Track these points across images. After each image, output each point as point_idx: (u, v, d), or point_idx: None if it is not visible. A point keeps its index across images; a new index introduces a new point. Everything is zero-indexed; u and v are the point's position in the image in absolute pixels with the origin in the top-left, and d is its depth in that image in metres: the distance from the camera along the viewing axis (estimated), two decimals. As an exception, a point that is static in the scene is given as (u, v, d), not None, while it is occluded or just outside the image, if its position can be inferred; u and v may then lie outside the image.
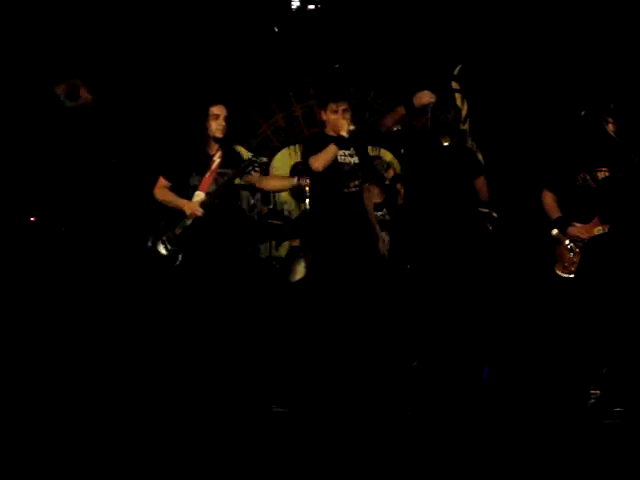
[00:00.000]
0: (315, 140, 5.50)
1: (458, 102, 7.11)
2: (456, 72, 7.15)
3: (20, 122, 6.64)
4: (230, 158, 5.26)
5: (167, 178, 5.24)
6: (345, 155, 5.40)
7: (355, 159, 5.45)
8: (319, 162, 5.29)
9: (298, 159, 7.41)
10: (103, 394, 4.97)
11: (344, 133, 5.27)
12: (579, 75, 6.42)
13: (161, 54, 6.97)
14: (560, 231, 5.07)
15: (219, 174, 5.18)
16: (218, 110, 5.20)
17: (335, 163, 5.37)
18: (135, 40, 6.90)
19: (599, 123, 4.88)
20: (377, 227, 5.65)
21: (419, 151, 5.67)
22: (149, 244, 5.21)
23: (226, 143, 5.28)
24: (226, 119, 5.21)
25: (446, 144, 5.56)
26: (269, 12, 7.26)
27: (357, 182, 5.45)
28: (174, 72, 6.98)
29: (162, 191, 5.23)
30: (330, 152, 5.28)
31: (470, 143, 7.07)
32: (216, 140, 5.21)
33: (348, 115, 5.39)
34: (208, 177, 5.17)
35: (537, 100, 6.67)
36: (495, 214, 6.34)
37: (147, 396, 4.93)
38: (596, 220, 4.93)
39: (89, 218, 6.75)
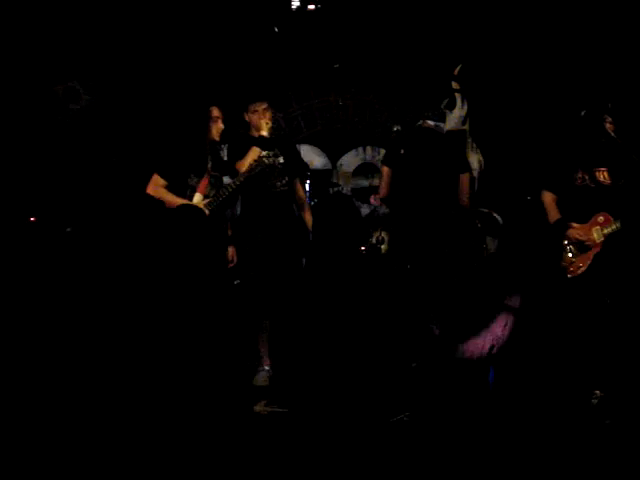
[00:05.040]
0: (238, 141, 5.49)
1: (458, 102, 7.12)
2: (456, 72, 7.15)
3: (22, 123, 6.66)
4: (217, 158, 5.32)
5: (164, 177, 5.20)
6: (270, 156, 5.33)
7: (280, 159, 5.43)
8: (245, 167, 5.29)
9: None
10: (103, 390, 4.99)
11: (264, 132, 5.32)
12: (578, 75, 6.42)
13: (161, 54, 6.99)
14: (559, 233, 5.06)
15: (212, 176, 5.22)
16: (217, 112, 5.24)
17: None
18: (135, 41, 6.92)
19: (598, 123, 4.88)
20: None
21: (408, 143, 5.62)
22: None
23: (215, 144, 5.31)
24: (223, 121, 5.25)
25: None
26: (269, 12, 7.28)
27: (284, 181, 5.49)
28: (174, 72, 6.99)
29: (160, 190, 5.18)
30: (253, 155, 5.28)
31: (470, 143, 7.08)
32: (213, 142, 5.25)
33: (269, 114, 5.42)
34: (205, 179, 5.20)
35: (536, 100, 6.67)
36: (497, 216, 6.33)
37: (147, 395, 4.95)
38: (594, 220, 4.92)
39: (89, 217, 6.76)
